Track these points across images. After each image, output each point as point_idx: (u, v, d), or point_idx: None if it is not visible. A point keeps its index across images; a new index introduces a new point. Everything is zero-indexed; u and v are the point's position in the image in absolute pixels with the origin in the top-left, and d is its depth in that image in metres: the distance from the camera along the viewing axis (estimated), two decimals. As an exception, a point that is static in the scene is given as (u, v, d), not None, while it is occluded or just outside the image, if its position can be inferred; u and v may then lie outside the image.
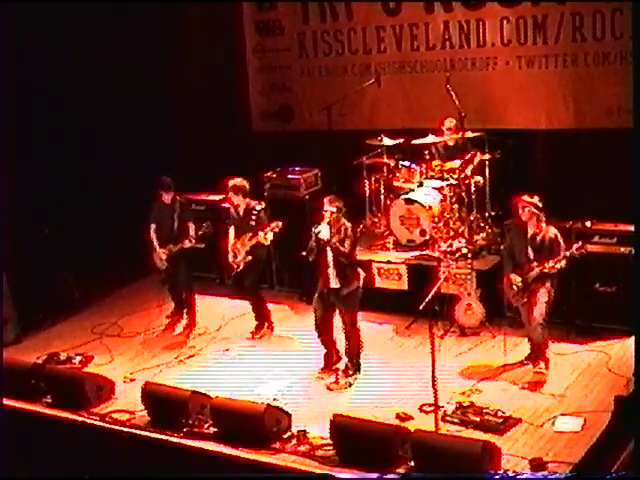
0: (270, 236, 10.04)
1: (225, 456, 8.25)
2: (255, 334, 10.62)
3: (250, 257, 10.27)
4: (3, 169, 11.09)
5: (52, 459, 8.94)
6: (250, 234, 10.18)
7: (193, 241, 10.62)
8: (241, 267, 10.36)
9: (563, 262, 8.68)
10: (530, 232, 8.82)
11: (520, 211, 8.87)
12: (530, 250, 8.78)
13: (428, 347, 8.08)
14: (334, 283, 9.20)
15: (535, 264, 8.72)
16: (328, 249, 9.14)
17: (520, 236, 8.90)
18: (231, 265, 10.46)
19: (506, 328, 9.85)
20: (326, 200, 9.26)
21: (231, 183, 10.40)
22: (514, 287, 8.86)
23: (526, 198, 8.85)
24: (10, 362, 9.85)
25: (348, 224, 9.24)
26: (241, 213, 10.44)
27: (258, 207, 10.38)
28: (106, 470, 8.67)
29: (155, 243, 10.72)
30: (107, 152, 12.43)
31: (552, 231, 8.83)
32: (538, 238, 8.78)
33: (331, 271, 9.18)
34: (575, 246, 8.68)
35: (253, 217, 10.26)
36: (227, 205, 11.62)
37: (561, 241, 8.78)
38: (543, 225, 8.82)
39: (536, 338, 8.97)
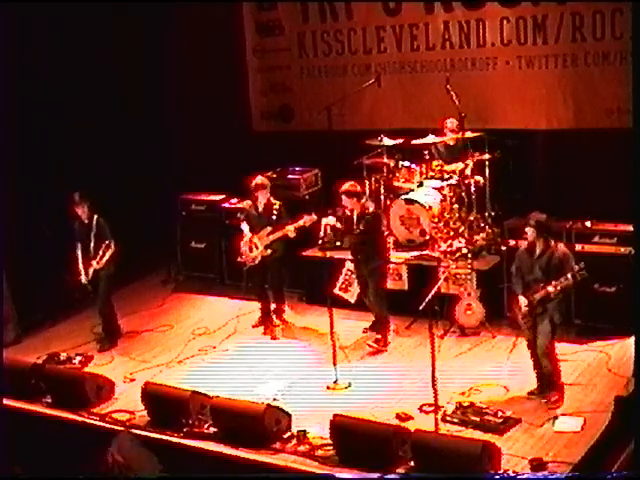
0: (293, 230, 10.31)
1: (225, 456, 8.25)
2: (266, 328, 10.76)
3: (269, 251, 10.40)
4: (3, 169, 11.08)
5: (52, 459, 8.93)
6: (270, 228, 10.36)
7: (102, 263, 10.44)
8: (258, 260, 10.46)
9: (568, 284, 8.23)
10: (537, 251, 8.42)
11: (526, 229, 8.49)
12: (538, 269, 8.37)
13: (428, 347, 8.10)
14: (358, 258, 10.05)
15: (542, 285, 8.30)
16: None
17: (527, 255, 8.51)
18: (245, 259, 10.55)
19: (506, 328, 9.85)
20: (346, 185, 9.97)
21: (258, 180, 10.58)
22: (522, 309, 8.48)
23: (532, 219, 8.44)
24: (10, 362, 9.86)
25: (368, 205, 10.18)
26: (260, 209, 10.57)
27: (277, 203, 10.56)
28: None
29: (80, 262, 10.55)
30: (107, 152, 12.42)
31: (561, 250, 8.41)
32: (545, 257, 8.36)
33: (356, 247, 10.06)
34: (576, 268, 8.22)
35: (274, 212, 10.46)
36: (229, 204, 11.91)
37: (571, 261, 8.34)
38: (552, 244, 8.42)
39: (544, 367, 8.62)
